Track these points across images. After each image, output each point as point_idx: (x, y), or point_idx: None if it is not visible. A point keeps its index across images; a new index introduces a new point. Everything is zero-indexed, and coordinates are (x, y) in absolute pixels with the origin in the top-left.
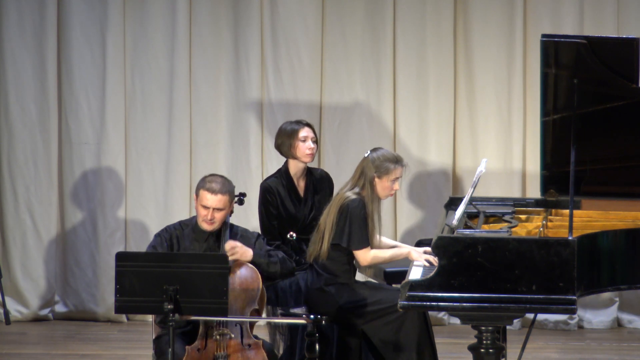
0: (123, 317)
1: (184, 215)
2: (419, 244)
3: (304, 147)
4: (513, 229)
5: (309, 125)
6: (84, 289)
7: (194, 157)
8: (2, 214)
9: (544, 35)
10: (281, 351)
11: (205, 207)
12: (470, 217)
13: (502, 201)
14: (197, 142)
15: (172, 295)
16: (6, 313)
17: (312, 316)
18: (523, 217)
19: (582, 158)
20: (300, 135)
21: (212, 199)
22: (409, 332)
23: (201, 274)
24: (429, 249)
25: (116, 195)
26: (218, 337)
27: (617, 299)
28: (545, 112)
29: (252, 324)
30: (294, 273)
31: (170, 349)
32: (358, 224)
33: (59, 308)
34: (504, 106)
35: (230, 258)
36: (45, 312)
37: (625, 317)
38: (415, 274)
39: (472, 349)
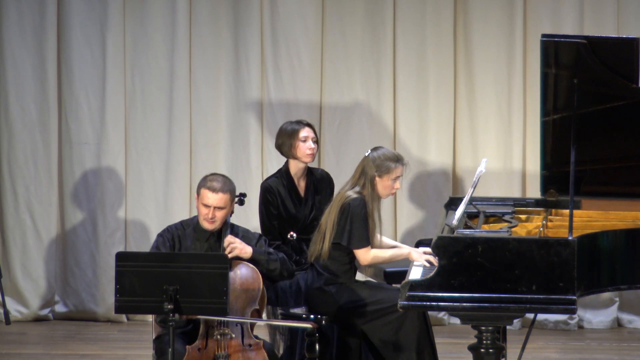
0: (123, 317)
1: (184, 215)
2: (419, 244)
3: (305, 147)
4: (513, 229)
5: (309, 125)
6: (84, 289)
7: (194, 157)
8: (2, 214)
9: (544, 35)
10: (281, 351)
11: (206, 206)
12: (470, 217)
13: (502, 201)
14: (197, 142)
15: (172, 295)
16: (6, 313)
17: (312, 316)
18: (523, 217)
19: (582, 158)
20: (301, 135)
21: (213, 198)
22: (408, 332)
23: (201, 274)
24: (428, 249)
25: (116, 195)
26: (219, 337)
27: (617, 299)
28: (545, 112)
29: (252, 324)
30: (293, 275)
31: (170, 349)
32: (359, 223)
33: (59, 308)
34: (504, 106)
35: (230, 255)
36: (45, 312)
37: (625, 317)
38: (415, 274)
39: (472, 349)
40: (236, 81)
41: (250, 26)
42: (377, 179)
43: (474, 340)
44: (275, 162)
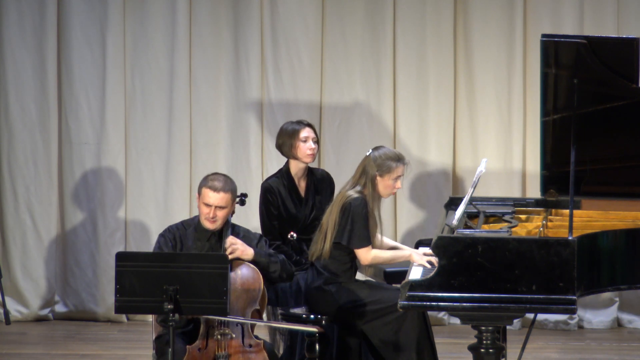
0: (123, 317)
1: (184, 215)
2: (419, 244)
3: (305, 147)
4: (513, 229)
5: (310, 125)
6: (84, 289)
7: (194, 157)
8: (2, 214)
9: (544, 35)
10: (281, 351)
11: (208, 205)
12: (470, 217)
13: (502, 201)
14: (197, 142)
15: (172, 295)
16: (6, 313)
17: (312, 316)
18: (523, 217)
19: (582, 158)
20: (301, 135)
21: (215, 197)
22: (408, 332)
23: (201, 274)
24: (429, 250)
25: (116, 195)
26: (219, 337)
27: (617, 299)
28: (545, 112)
29: (253, 324)
30: (292, 277)
31: (170, 349)
32: (360, 222)
33: (59, 308)
34: (504, 106)
35: (230, 256)
36: (45, 312)
37: (625, 317)
38: (415, 274)
39: (472, 349)
40: (236, 81)
41: (250, 26)
42: (378, 178)
43: (474, 340)
44: (275, 162)
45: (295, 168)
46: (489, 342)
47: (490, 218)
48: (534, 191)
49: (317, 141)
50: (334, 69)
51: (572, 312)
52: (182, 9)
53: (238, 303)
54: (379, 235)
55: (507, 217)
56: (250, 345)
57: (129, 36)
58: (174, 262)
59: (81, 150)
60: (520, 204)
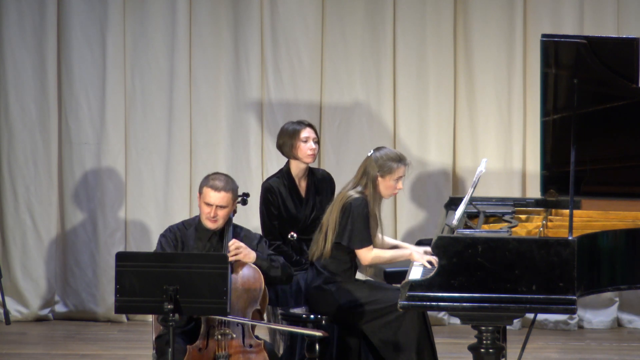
0: (123, 317)
1: (184, 215)
2: (419, 243)
3: (306, 147)
4: (513, 229)
5: (310, 125)
6: (84, 289)
7: (194, 157)
8: (2, 214)
9: (544, 35)
10: (281, 351)
11: (208, 205)
12: (470, 217)
13: (502, 201)
14: (197, 142)
15: (172, 295)
16: (6, 313)
17: (312, 316)
18: (523, 217)
19: (582, 158)
20: (302, 135)
21: (215, 196)
22: (408, 332)
23: (201, 274)
24: (429, 249)
25: (116, 195)
26: (219, 337)
27: (617, 299)
28: (545, 112)
29: (253, 325)
30: (292, 280)
31: (170, 349)
32: (360, 222)
33: (59, 308)
34: (504, 106)
35: (233, 258)
36: (45, 312)
37: (625, 317)
38: (415, 274)
39: (472, 349)
40: (236, 81)
41: (250, 26)
42: (379, 179)
43: (474, 340)
44: (275, 162)
45: (296, 168)
46: (489, 342)
47: (490, 218)
48: (534, 191)
49: (317, 141)
50: (334, 69)
51: (572, 312)
52: (182, 9)
53: (239, 303)
54: (379, 235)
55: (507, 217)
56: (251, 346)
57: (129, 36)
58: (174, 262)
59: (81, 150)
60: (520, 204)
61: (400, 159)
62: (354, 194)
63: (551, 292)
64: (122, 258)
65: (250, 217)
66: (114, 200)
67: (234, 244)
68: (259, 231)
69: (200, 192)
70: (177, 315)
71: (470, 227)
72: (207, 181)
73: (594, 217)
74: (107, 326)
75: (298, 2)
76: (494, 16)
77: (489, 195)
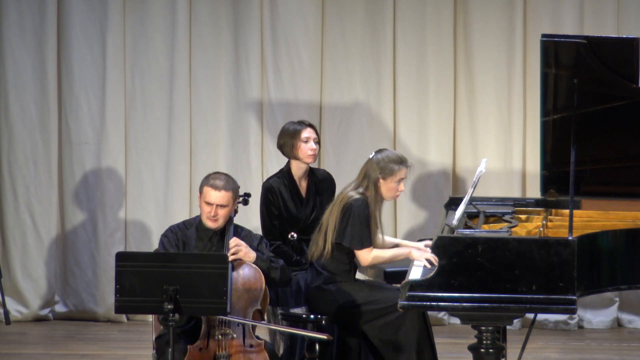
0: (123, 317)
1: (184, 215)
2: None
3: (306, 147)
4: (513, 229)
5: (311, 126)
6: (84, 289)
7: (194, 157)
8: (2, 214)
9: (544, 35)
10: (281, 351)
11: (209, 204)
12: (470, 217)
13: (502, 201)
14: (197, 142)
15: (172, 295)
16: (6, 313)
17: (312, 316)
18: (523, 217)
19: (582, 158)
20: (303, 136)
21: (216, 196)
22: (408, 332)
23: (201, 274)
24: (430, 242)
25: (116, 196)
26: (220, 336)
27: (617, 299)
28: (545, 112)
29: (254, 325)
30: (290, 283)
31: (170, 349)
32: (360, 223)
33: (59, 308)
34: (504, 106)
35: (233, 257)
36: (45, 312)
37: (625, 317)
38: (415, 273)
39: (472, 349)
40: (236, 81)
41: (250, 26)
42: (381, 181)
43: (474, 340)
44: (275, 162)
45: (297, 168)
46: (489, 342)
47: (490, 218)
48: (534, 191)
49: (318, 142)
50: (334, 69)
51: (572, 312)
52: (182, 9)
53: (239, 303)
54: (379, 236)
55: (507, 217)
56: (251, 346)
57: (129, 36)
58: (174, 262)
59: (81, 150)
60: (520, 204)
61: (402, 161)
62: (354, 194)
63: (551, 292)
64: (122, 258)
65: (250, 217)
66: (114, 200)
67: (234, 241)
68: (259, 231)
69: (201, 192)
70: (177, 315)
71: (470, 227)
72: (207, 180)
73: (594, 217)
74: (107, 326)
75: (298, 2)
76: (494, 16)
77: (489, 195)
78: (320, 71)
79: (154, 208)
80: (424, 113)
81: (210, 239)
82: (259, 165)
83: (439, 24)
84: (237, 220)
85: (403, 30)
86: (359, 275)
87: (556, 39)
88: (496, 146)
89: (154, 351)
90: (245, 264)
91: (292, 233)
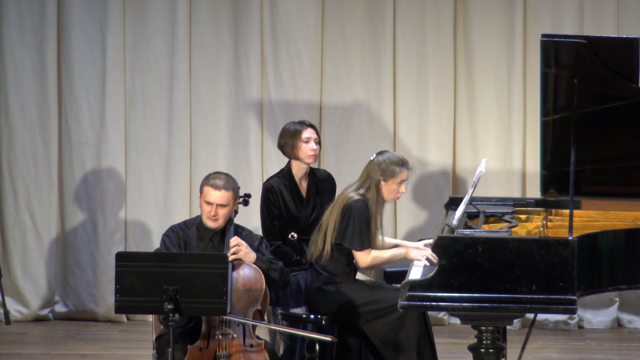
0: (123, 317)
1: (184, 215)
2: None
3: (307, 148)
4: (513, 229)
5: (312, 126)
6: (84, 289)
7: (194, 157)
8: (2, 214)
9: (544, 35)
10: (281, 351)
11: (209, 204)
12: (470, 217)
13: (502, 201)
14: (197, 142)
15: (172, 295)
16: (6, 313)
17: (312, 316)
18: (523, 217)
19: (582, 158)
20: (303, 136)
21: (216, 195)
22: (408, 332)
23: (201, 274)
24: (429, 241)
25: (116, 196)
26: (220, 336)
27: (617, 299)
28: (545, 112)
29: (254, 325)
30: (288, 285)
31: (170, 349)
32: (360, 224)
33: (59, 308)
34: (504, 106)
35: (233, 257)
36: (45, 312)
37: (625, 317)
38: (415, 273)
39: (472, 349)
40: (236, 81)
41: (250, 26)
42: (382, 183)
43: (474, 340)
44: (275, 162)
45: (297, 168)
46: (489, 342)
47: (490, 218)
48: (534, 191)
49: (319, 142)
50: (334, 69)
51: (572, 312)
52: (182, 9)
53: (240, 303)
54: (380, 237)
55: (507, 217)
56: (252, 346)
57: (129, 36)
58: (174, 262)
59: (81, 150)
60: (520, 204)
61: (403, 163)
62: (355, 195)
63: (551, 292)
64: (122, 258)
65: (250, 218)
66: (114, 200)
67: (235, 241)
68: (259, 231)
69: (201, 191)
70: (177, 315)
71: (470, 227)
72: (207, 180)
73: (594, 217)
74: (107, 326)
75: (298, 2)
76: (494, 16)
77: (489, 195)
78: (320, 71)
79: (154, 208)
80: (424, 113)
81: (211, 238)
82: (258, 165)
83: (439, 24)
84: (237, 220)
85: (403, 30)
86: (359, 276)
87: (556, 39)
88: (496, 146)
89: (154, 351)
90: (245, 264)
91: (293, 233)
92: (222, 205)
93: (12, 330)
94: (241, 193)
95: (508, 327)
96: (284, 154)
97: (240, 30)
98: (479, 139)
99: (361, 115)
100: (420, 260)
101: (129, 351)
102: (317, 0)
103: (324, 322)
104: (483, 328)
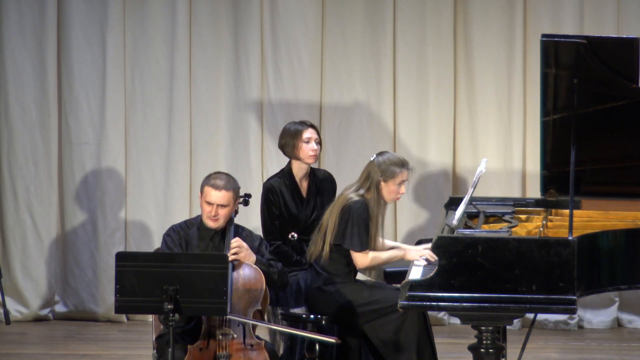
0: (123, 317)
1: (184, 215)
2: (419, 243)
3: (308, 148)
4: (513, 229)
5: (313, 126)
6: (84, 289)
7: (194, 157)
8: (2, 214)
9: (544, 35)
10: (281, 351)
11: (209, 204)
12: (470, 217)
13: (502, 201)
14: (197, 142)
15: (172, 295)
16: (6, 313)
17: (312, 316)
18: (523, 217)
19: (582, 158)
20: (304, 136)
21: (216, 195)
22: (408, 332)
23: (201, 274)
24: (427, 245)
25: (116, 196)
26: (220, 336)
27: (617, 299)
28: (545, 112)
29: (254, 324)
30: (286, 287)
31: (170, 349)
32: (359, 226)
33: (59, 308)
34: (504, 106)
35: (233, 257)
36: (45, 312)
37: (625, 317)
38: (415, 273)
39: (472, 349)
40: (236, 81)
41: (250, 26)
42: (382, 183)
43: (474, 340)
44: (275, 162)
45: (298, 169)
46: (489, 342)
47: (490, 218)
48: (534, 191)
49: (319, 142)
50: (334, 69)
51: (572, 312)
52: (182, 9)
53: (240, 303)
54: (380, 239)
55: (507, 217)
56: (252, 345)
57: (129, 36)
58: (174, 262)
59: (81, 150)
60: (520, 204)
61: (403, 164)
62: (354, 196)
63: (551, 292)
64: (122, 258)
65: (250, 218)
66: (114, 200)
67: (236, 241)
68: (259, 231)
69: (202, 191)
70: (177, 315)
71: (470, 227)
72: (208, 180)
73: (594, 217)
74: (107, 326)
75: (298, 2)
76: (494, 16)
77: (489, 195)
78: (320, 71)
79: (154, 208)
80: (424, 113)
81: (211, 238)
82: (258, 165)
83: (439, 24)
84: (237, 220)
85: (403, 30)
86: (359, 276)
87: (556, 39)
88: (496, 146)
89: (154, 351)
90: (245, 264)
91: (293, 233)
92: (223, 206)
93: (12, 330)
94: (241, 193)
95: (508, 327)
96: (285, 154)
97: (240, 30)
98: (479, 139)
99: (361, 115)
100: (418, 260)
101: (129, 351)
102: (317, 0)
103: (324, 322)
104: (483, 328)
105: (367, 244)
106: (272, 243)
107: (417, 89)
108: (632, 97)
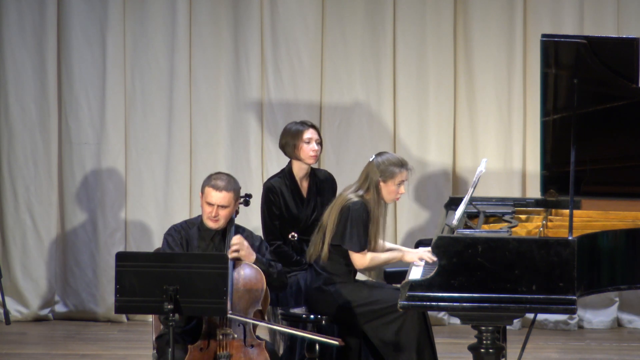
0: (123, 317)
1: (184, 215)
2: (419, 244)
3: (308, 148)
4: (513, 229)
5: (313, 126)
6: (84, 289)
7: (194, 157)
8: (2, 214)
9: (544, 35)
10: (281, 351)
11: (210, 204)
12: (470, 217)
13: (502, 201)
14: (197, 142)
15: (172, 295)
16: (6, 313)
17: (312, 316)
18: (523, 217)
19: (582, 158)
20: (305, 136)
21: (217, 196)
22: (409, 332)
23: (201, 274)
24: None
25: (116, 196)
26: (221, 336)
27: (617, 299)
28: (545, 112)
29: (254, 324)
30: (286, 288)
31: (170, 349)
32: (357, 226)
33: (59, 308)
34: (504, 106)
35: (233, 255)
36: (45, 312)
37: (625, 317)
38: (415, 273)
39: (472, 349)
40: (236, 81)
41: (250, 26)
42: (381, 184)
43: (474, 340)
44: (275, 162)
45: (298, 169)
46: (489, 342)
47: (490, 218)
48: (534, 191)
49: (320, 142)
50: (334, 69)
51: (572, 312)
52: (182, 9)
53: (240, 303)
54: (380, 241)
55: (507, 217)
56: (252, 345)
57: (129, 36)
58: (174, 262)
59: (81, 150)
60: (520, 204)
61: (402, 164)
62: (353, 197)
63: (551, 292)
64: (122, 258)
65: (250, 218)
66: (114, 200)
67: (237, 238)
68: (260, 231)
69: (202, 192)
70: (177, 315)
71: (470, 227)
72: (209, 181)
73: (594, 217)
74: (107, 326)
75: (298, 2)
76: (494, 16)
77: (489, 195)
78: (320, 71)
79: (154, 208)
80: (424, 113)
81: (212, 239)
82: (259, 165)
83: (439, 24)
84: (237, 220)
85: (403, 30)
86: (359, 276)
87: (556, 39)
88: (496, 146)
89: (154, 351)
90: (246, 264)
91: (293, 233)
92: (223, 206)
93: (12, 330)
94: (242, 193)
95: (508, 327)
96: (285, 154)
97: (240, 30)
98: (479, 139)
99: (361, 115)
100: (417, 262)
101: (129, 351)
102: (317, 0)
103: (323, 322)
104: (483, 328)
105: (365, 245)
106: (272, 243)
107: (417, 89)
108: (632, 97)
